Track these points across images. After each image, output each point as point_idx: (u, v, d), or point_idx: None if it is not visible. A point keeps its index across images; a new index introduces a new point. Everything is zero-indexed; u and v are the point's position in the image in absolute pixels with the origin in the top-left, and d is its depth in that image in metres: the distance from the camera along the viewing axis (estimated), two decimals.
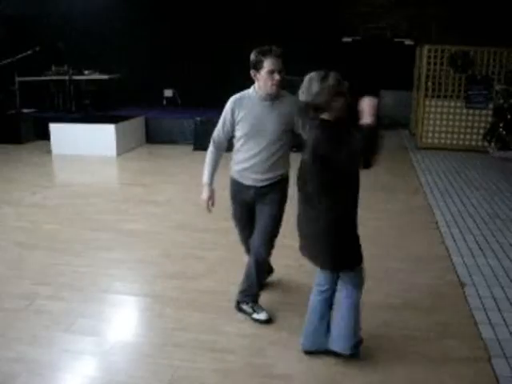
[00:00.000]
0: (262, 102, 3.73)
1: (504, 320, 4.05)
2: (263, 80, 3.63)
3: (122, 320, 4.21)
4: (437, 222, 6.36)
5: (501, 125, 10.15)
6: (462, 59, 10.76)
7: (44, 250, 5.47)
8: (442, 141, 11.14)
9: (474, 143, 10.94)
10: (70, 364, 3.52)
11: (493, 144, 10.35)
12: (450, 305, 4.32)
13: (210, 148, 3.97)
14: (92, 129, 10.43)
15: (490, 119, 10.61)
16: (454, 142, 11.08)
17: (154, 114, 11.96)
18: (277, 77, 3.59)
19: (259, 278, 3.99)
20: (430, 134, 11.18)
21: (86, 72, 12.60)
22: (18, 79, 11.69)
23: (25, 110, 12.10)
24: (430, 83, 10.97)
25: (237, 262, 4.59)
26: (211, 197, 4.02)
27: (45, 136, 10.80)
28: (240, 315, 4.05)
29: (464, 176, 8.73)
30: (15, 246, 5.59)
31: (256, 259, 3.90)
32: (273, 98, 3.72)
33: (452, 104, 10.96)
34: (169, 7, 12.84)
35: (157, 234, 5.97)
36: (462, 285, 4.66)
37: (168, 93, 13.56)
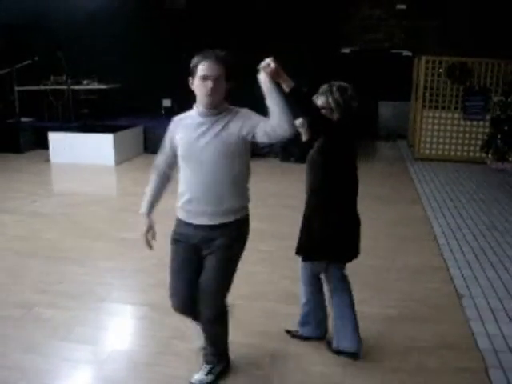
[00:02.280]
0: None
1: (501, 331, 4.06)
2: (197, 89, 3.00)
3: (120, 329, 4.21)
4: (434, 234, 6.38)
5: (498, 136, 10.21)
6: (459, 70, 10.82)
7: (42, 259, 5.48)
8: (440, 152, 11.19)
9: (471, 154, 10.99)
10: (67, 372, 3.53)
11: (490, 155, 10.40)
12: (447, 316, 4.33)
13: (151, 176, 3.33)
14: (90, 138, 10.46)
15: (487, 130, 10.66)
16: (452, 153, 11.13)
17: (152, 123, 11.97)
18: (210, 85, 2.92)
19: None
20: (428, 145, 11.23)
21: (85, 82, 12.66)
22: (16, 89, 11.73)
23: (24, 119, 12.14)
24: (427, 94, 11.03)
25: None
26: (150, 228, 3.55)
27: (44, 145, 10.84)
28: (237, 323, 4.01)
29: (461, 187, 8.76)
30: (13, 255, 5.59)
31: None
32: (212, 114, 3.02)
33: (450, 115, 11.02)
34: (168, 17, 12.91)
35: (154, 243, 5.95)
36: (460, 296, 4.66)
37: (166, 102, 13.59)
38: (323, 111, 3.35)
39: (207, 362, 3.42)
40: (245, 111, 3.06)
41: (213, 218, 3.08)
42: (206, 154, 2.99)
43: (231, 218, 3.09)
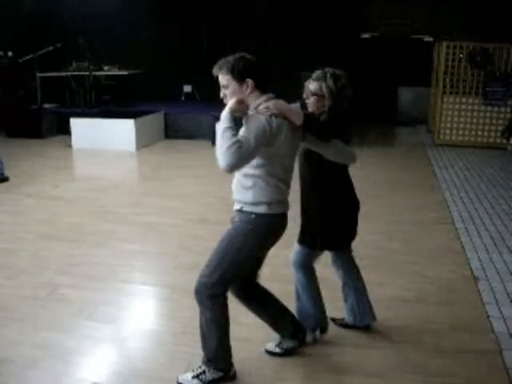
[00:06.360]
0: None
1: None
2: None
3: (141, 309, 4.32)
4: (452, 218, 6.39)
5: None
6: (480, 56, 10.73)
7: (65, 242, 5.60)
8: (460, 137, 11.13)
9: (491, 140, 10.93)
10: (90, 350, 3.63)
11: (511, 141, 10.32)
12: (462, 298, 4.37)
13: None
14: (112, 123, 10.59)
15: (508, 116, 10.58)
16: (472, 138, 11.06)
17: (172, 109, 12.07)
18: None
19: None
20: (448, 131, 11.18)
21: (106, 68, 12.77)
22: (39, 75, 11.88)
23: (46, 106, 12.30)
24: (448, 80, 10.96)
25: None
26: None
27: (65, 131, 11.01)
28: None
29: (481, 173, 8.73)
30: (38, 238, 5.72)
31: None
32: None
33: (470, 101, 10.95)
34: (188, 3, 12.92)
35: (175, 226, 6.07)
36: (476, 279, 4.70)
37: (187, 88, 13.67)
38: (315, 97, 3.35)
39: (201, 362, 3.19)
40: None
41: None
42: None
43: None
